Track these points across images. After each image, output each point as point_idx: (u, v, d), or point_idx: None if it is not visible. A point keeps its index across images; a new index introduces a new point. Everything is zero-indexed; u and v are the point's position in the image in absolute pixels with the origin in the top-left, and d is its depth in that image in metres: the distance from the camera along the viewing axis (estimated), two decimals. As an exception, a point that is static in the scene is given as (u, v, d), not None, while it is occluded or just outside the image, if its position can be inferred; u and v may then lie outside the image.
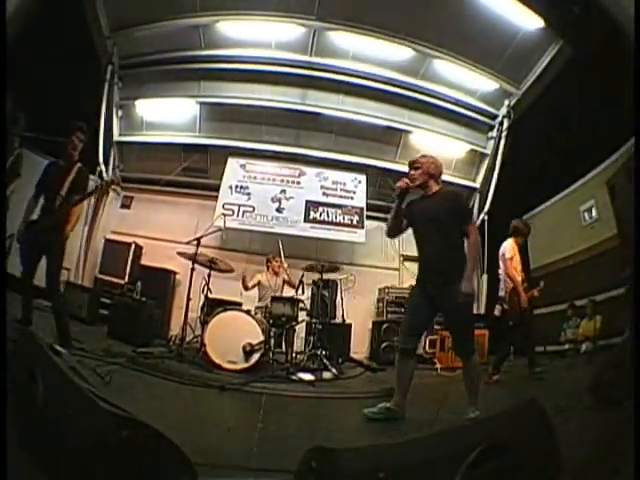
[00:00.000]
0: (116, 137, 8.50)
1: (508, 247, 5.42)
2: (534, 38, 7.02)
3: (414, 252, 8.11)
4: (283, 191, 8.53)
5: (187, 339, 5.76)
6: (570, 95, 6.73)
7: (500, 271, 5.54)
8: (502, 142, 8.39)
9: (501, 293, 5.59)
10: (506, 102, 8.28)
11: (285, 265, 6.50)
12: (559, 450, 1.59)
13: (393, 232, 3.81)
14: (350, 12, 7.28)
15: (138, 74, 8.35)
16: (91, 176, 6.47)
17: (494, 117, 8.60)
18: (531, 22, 6.80)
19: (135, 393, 3.53)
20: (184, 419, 3.06)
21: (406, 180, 3.55)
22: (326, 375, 5.32)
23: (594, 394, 2.86)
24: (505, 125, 8.35)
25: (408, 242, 8.69)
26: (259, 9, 7.37)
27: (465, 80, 8.18)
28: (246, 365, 5.03)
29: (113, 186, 4.16)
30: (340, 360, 6.27)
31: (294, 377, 4.96)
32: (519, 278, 5.26)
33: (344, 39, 7.82)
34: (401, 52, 7.83)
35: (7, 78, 4.92)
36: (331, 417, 3.71)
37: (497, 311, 5.93)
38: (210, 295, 5.88)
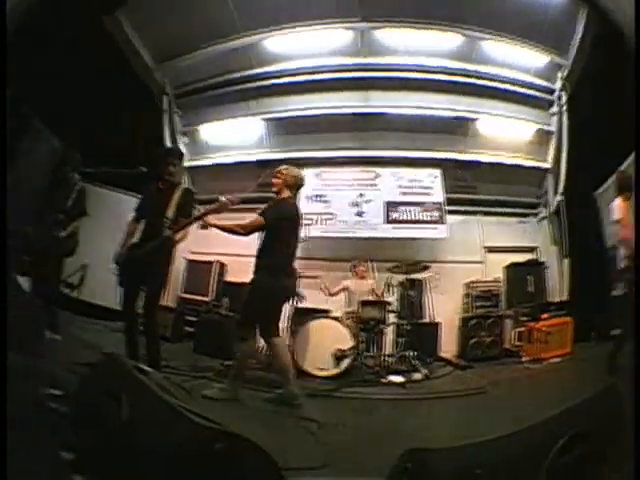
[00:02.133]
0: (185, 163, 8.75)
1: (615, 207, 4.70)
2: (567, 4, 6.69)
3: (497, 243, 7.89)
4: (361, 195, 8.46)
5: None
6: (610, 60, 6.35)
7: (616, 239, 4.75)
8: (564, 117, 7.92)
9: (622, 264, 4.62)
10: (559, 74, 7.83)
11: (370, 271, 6.59)
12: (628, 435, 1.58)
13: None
14: (390, 7, 7.21)
15: (196, 100, 8.68)
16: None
17: (552, 92, 8.15)
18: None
19: (225, 405, 3.64)
20: (274, 428, 3.11)
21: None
22: (416, 376, 5.26)
23: None
24: (563, 99, 7.90)
25: (490, 233, 8.49)
26: (300, 20, 7.43)
27: (517, 58, 7.85)
28: (336, 371, 5.08)
29: (233, 206, 4.16)
30: (429, 360, 6.16)
31: (384, 380, 4.99)
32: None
33: (391, 35, 7.73)
34: (449, 39, 7.66)
35: (53, 121, 5.25)
36: (422, 418, 3.73)
37: (619, 289, 4.95)
38: (298, 304, 5.92)
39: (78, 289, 6.32)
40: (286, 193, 4.29)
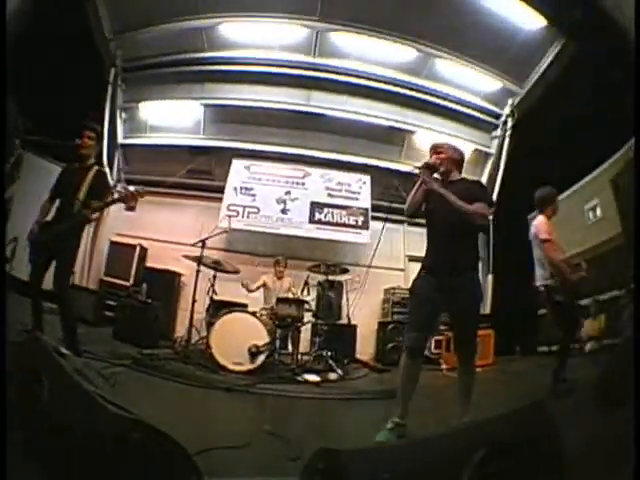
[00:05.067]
0: (120, 140, 8.53)
1: (541, 225, 4.26)
2: (537, 37, 6.94)
3: (419, 252, 8.10)
4: (288, 192, 8.56)
5: (193, 341, 5.75)
6: (573, 94, 6.67)
7: (537, 256, 4.37)
8: (506, 141, 8.37)
9: (539, 282, 4.36)
10: (510, 101, 8.25)
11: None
12: (564, 452, 1.60)
13: (411, 211, 3.34)
14: (353, 12, 7.25)
15: (141, 77, 8.37)
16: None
17: (498, 116, 8.56)
18: (534, 21, 6.72)
19: (140, 395, 3.53)
20: (190, 421, 3.03)
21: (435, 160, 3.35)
22: (332, 376, 5.30)
23: (598, 394, 2.85)
24: (509, 124, 8.32)
25: (413, 242, 8.71)
26: (261, 10, 7.35)
27: (469, 80, 8.15)
28: (252, 366, 5.03)
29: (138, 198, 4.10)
30: (346, 361, 6.24)
31: (300, 378, 4.99)
32: (563, 259, 4.19)
33: (347, 40, 7.80)
34: (404, 52, 7.80)
35: (8, 80, 4.94)
36: (337, 418, 3.71)
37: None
38: (215, 297, 5.92)
39: (10, 263, 5.97)
40: (457, 174, 3.41)
